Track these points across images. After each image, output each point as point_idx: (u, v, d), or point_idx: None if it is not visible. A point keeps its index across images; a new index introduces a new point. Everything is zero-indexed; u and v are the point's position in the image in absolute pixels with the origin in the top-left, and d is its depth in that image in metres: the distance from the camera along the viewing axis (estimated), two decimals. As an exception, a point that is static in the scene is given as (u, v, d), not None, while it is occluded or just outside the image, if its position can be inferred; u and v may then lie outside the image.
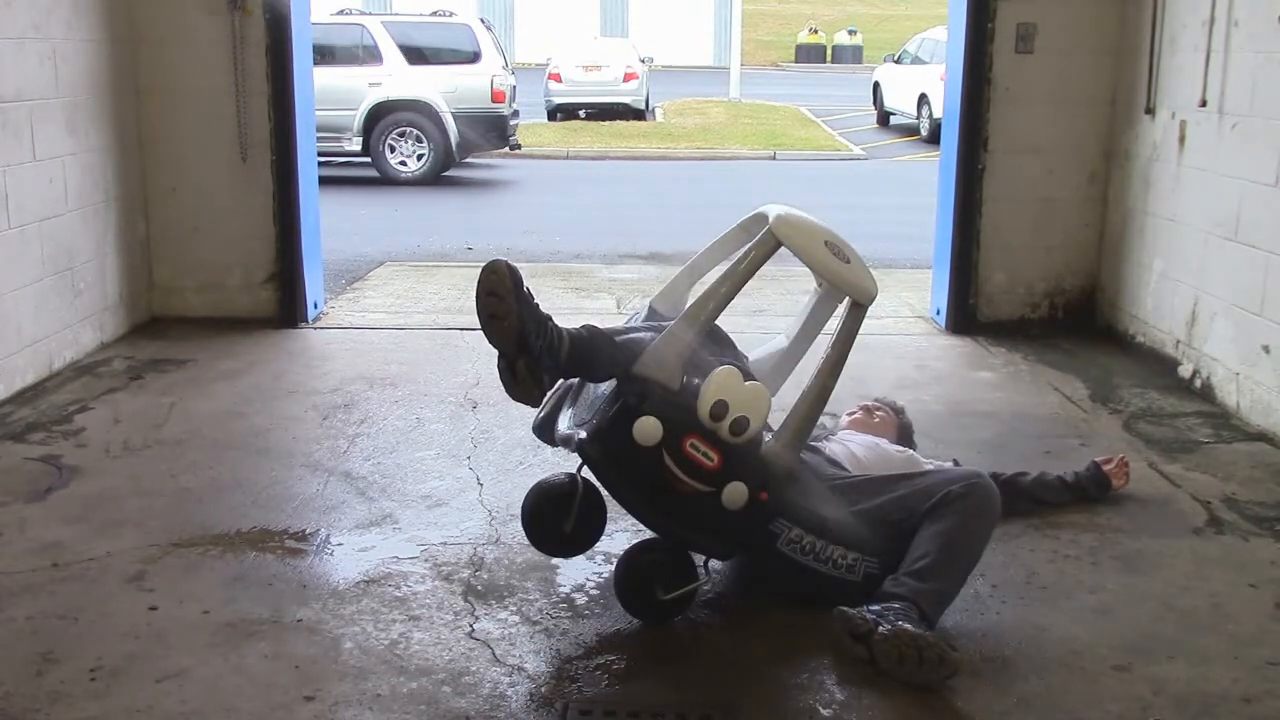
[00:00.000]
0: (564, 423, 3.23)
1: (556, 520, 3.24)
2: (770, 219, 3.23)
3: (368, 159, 13.78)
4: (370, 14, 15.55)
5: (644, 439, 3.00)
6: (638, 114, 22.23)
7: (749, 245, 3.22)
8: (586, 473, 3.20)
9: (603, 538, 3.37)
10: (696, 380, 3.06)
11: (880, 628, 2.92)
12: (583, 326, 3.12)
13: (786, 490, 3.16)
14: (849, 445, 3.69)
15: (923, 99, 19.30)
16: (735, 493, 3.05)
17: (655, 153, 18.00)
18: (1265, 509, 4.03)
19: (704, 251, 3.56)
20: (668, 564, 3.17)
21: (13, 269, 5.09)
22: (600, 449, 3.07)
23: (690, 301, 3.24)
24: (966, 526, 3.18)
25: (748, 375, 3.12)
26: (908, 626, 2.91)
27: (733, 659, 3.04)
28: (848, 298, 3.30)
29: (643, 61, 23.16)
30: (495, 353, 3.05)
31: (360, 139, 13.70)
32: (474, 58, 14.05)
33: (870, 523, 3.23)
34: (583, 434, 3.09)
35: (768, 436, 3.17)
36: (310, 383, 5.35)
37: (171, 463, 4.34)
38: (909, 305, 7.00)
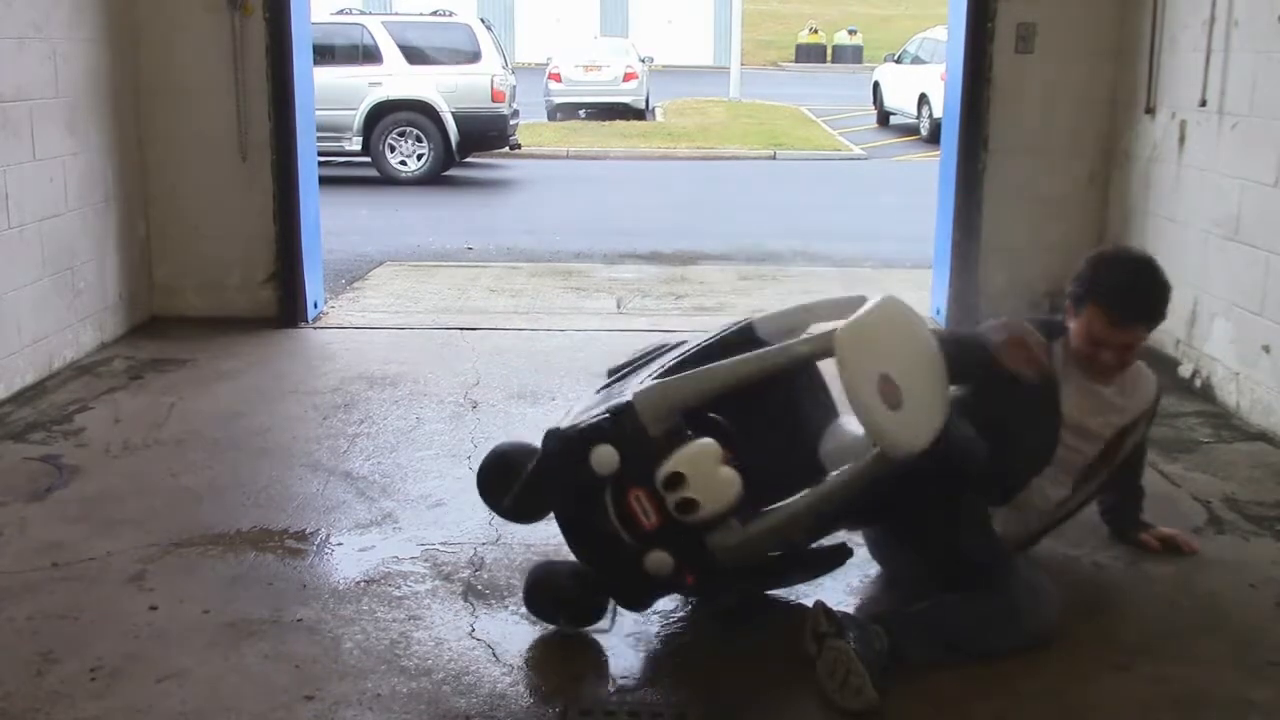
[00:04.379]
0: (577, 406, 3.18)
1: (501, 490, 3.27)
2: (845, 322, 2.86)
3: (368, 159, 13.77)
4: (370, 14, 15.55)
5: (596, 465, 2.92)
6: (638, 114, 22.21)
7: (805, 338, 3.03)
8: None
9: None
10: (687, 434, 2.91)
11: (835, 641, 2.82)
12: None
13: (726, 577, 3.01)
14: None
15: (923, 99, 19.29)
16: (659, 562, 2.92)
17: (655, 153, 17.99)
18: (1265, 509, 4.03)
19: (823, 301, 3.41)
20: (573, 589, 3.11)
21: (13, 269, 5.09)
22: (558, 451, 3.02)
23: (801, 336, 3.13)
24: (990, 631, 3.01)
25: (733, 461, 2.87)
26: (856, 647, 2.79)
27: (733, 659, 3.05)
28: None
29: (642, 61, 23.16)
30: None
31: (360, 139, 13.68)
32: (474, 58, 14.03)
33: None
34: (557, 427, 3.05)
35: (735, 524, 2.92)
36: (310, 383, 5.35)
37: (171, 463, 4.34)
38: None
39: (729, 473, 2.85)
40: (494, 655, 3.03)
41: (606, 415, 2.95)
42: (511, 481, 3.26)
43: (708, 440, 2.89)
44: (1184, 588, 3.46)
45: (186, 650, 3.01)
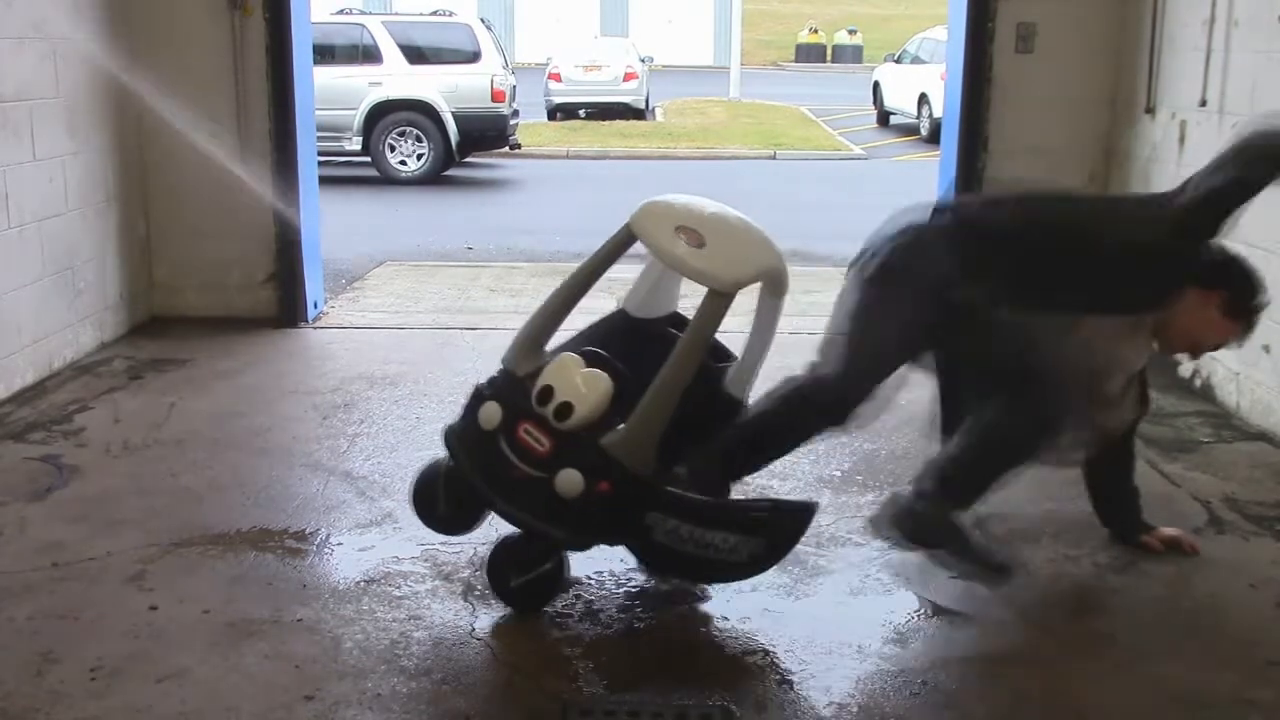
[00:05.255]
0: None
1: (432, 499, 3.37)
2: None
3: (368, 159, 13.77)
4: (370, 14, 15.55)
5: (485, 423, 3.11)
6: (638, 114, 22.20)
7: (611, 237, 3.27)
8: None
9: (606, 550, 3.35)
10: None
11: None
12: None
13: (647, 481, 3.08)
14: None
15: (923, 99, 19.29)
16: (569, 481, 3.01)
17: (655, 152, 17.98)
18: (1265, 509, 4.03)
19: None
20: (521, 551, 3.18)
21: (13, 269, 5.09)
22: (455, 436, 3.21)
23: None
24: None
25: (594, 363, 3.12)
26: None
27: (733, 659, 3.05)
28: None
29: (643, 61, 23.15)
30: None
31: (360, 139, 13.68)
32: (474, 57, 14.04)
33: None
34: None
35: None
36: (310, 382, 5.35)
37: (171, 462, 4.34)
38: (909, 305, 6.99)
39: (592, 372, 3.09)
40: (494, 655, 3.03)
41: (482, 381, 3.24)
42: (437, 487, 3.36)
43: (563, 354, 3.15)
44: (1184, 588, 3.46)
45: (186, 650, 3.01)
